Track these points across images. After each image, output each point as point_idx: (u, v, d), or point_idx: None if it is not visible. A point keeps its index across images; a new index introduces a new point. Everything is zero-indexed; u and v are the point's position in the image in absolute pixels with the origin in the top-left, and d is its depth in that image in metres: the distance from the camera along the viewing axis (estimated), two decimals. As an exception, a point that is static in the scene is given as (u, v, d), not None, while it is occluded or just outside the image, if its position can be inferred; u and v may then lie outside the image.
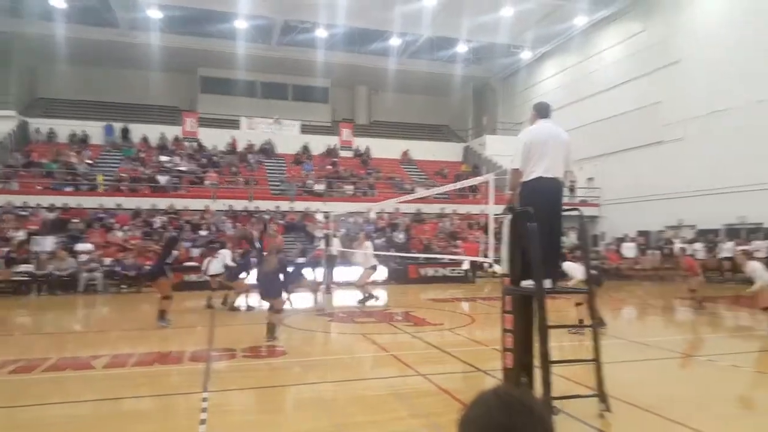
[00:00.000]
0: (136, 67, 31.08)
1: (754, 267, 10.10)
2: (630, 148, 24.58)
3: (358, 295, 14.05)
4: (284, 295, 10.21)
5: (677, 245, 19.38)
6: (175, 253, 11.07)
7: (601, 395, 5.04)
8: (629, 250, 22.19)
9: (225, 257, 13.84)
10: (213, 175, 25.01)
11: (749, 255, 12.03)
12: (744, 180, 18.92)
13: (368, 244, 14.88)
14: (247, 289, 13.10)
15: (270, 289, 9.25)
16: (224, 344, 8.87)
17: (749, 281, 10.15)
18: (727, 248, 18.98)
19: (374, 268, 14.54)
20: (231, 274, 13.44)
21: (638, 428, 4.85)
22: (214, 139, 28.94)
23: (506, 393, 1.11)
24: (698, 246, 19.99)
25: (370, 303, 13.65)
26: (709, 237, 20.20)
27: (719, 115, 20.30)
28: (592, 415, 5.02)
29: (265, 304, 9.68)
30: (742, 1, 19.96)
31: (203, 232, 20.84)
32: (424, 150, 32.36)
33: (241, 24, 28.01)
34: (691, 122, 21.63)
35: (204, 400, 5.75)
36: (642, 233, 23.01)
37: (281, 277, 9.60)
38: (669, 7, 23.17)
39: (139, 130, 28.26)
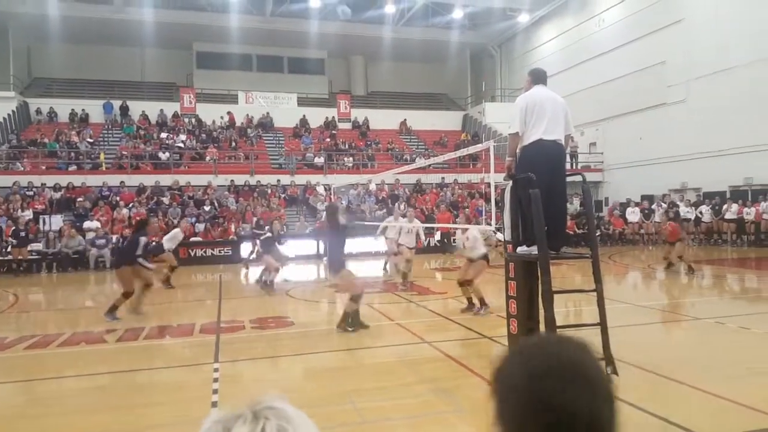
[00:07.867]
0: (132, 45, 30.74)
1: None
2: (632, 111, 24.35)
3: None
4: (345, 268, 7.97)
5: (661, 210, 19.41)
6: (143, 239, 9.12)
7: (607, 358, 5.05)
8: (633, 214, 22.21)
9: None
10: (213, 151, 24.97)
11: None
12: (750, 140, 18.71)
13: (475, 232, 9.20)
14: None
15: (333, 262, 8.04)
16: (232, 317, 9.02)
17: None
18: (733, 211, 19.05)
19: (485, 258, 8.84)
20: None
21: (645, 390, 4.89)
22: (212, 114, 28.79)
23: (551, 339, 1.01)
24: (704, 209, 20.01)
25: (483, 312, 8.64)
26: (714, 199, 20.13)
27: (724, 75, 20.02)
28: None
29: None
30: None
31: (207, 208, 20.95)
32: (423, 119, 32.14)
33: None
34: (694, 83, 21.37)
35: (215, 370, 5.90)
36: (646, 197, 22.93)
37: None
38: (671, -37, 22.47)
39: (137, 107, 28.11)
